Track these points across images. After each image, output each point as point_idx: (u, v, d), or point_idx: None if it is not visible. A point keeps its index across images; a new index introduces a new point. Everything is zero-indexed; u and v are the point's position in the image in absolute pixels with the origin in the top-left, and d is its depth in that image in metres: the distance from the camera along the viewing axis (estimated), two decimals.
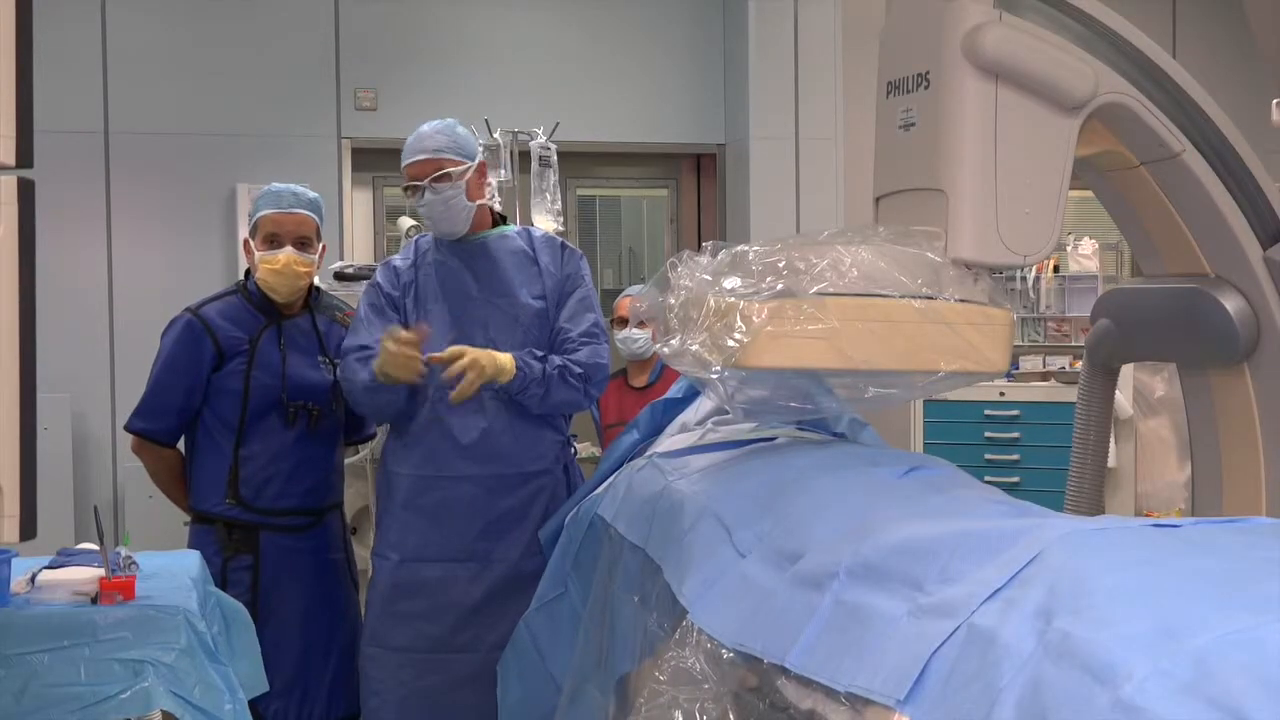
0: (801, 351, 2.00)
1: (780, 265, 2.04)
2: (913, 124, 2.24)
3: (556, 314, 3.22)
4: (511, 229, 3.33)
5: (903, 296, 2.04)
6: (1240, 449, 2.49)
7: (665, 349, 2.11)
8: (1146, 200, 2.48)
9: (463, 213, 3.19)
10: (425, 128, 3.21)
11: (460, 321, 3.18)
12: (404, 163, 3.20)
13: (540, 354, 3.16)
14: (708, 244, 2.18)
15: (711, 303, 2.04)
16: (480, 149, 5.04)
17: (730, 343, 1.98)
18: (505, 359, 3.10)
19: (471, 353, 3.06)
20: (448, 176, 3.15)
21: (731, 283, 2.04)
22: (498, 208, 5.04)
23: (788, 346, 1.99)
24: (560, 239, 3.39)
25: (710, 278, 2.08)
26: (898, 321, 2.03)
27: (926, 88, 2.21)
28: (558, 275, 3.24)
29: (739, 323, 1.98)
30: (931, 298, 2.06)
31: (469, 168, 3.18)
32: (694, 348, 2.03)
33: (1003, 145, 2.16)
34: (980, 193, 2.15)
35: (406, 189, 3.21)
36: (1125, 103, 2.29)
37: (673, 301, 2.11)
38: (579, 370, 3.16)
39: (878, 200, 2.39)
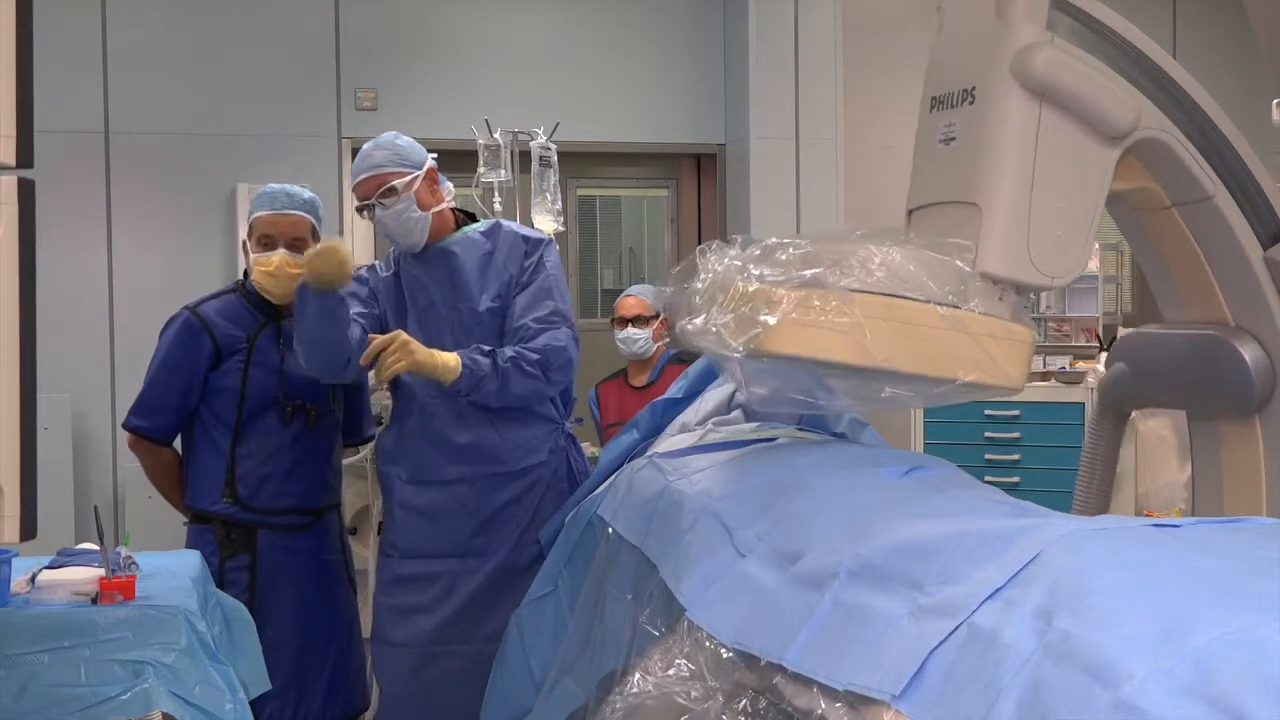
0: (824, 342, 2.00)
1: (811, 258, 2.04)
2: (953, 138, 2.24)
3: (513, 308, 3.17)
4: (476, 228, 3.27)
5: (928, 301, 2.04)
6: (1244, 502, 2.47)
7: (689, 326, 2.11)
8: (1174, 243, 2.47)
9: (417, 224, 3.15)
10: (367, 146, 3.20)
11: (427, 331, 3.16)
12: (351, 185, 3.21)
13: (487, 349, 3.08)
14: (735, 236, 2.19)
15: (740, 285, 2.04)
16: (481, 148, 5.11)
17: (755, 326, 1.98)
18: (450, 358, 3.03)
19: (404, 337, 3.00)
20: (394, 191, 3.12)
21: (761, 270, 2.05)
22: (498, 207, 5.09)
23: (811, 336, 1.99)
24: (527, 231, 3.30)
25: (740, 263, 2.09)
26: (921, 325, 2.03)
27: (971, 103, 2.20)
28: (513, 271, 3.19)
29: (765, 307, 1.98)
30: (956, 306, 2.06)
31: (415, 177, 3.14)
32: (717, 327, 2.03)
33: (1041, 166, 2.15)
34: (1014, 210, 2.15)
35: (359, 209, 3.20)
36: (1164, 140, 2.29)
37: (699, 285, 2.11)
38: (535, 357, 3.07)
39: (910, 213, 2.38)
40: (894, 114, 6.61)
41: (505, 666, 2.87)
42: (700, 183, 6.74)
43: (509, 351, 3.08)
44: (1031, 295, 2.45)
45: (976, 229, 2.14)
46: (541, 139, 5.16)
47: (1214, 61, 5.49)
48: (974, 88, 2.20)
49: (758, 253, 2.08)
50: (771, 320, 1.97)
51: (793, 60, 6.12)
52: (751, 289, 2.02)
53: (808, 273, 2.01)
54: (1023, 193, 2.15)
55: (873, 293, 2.02)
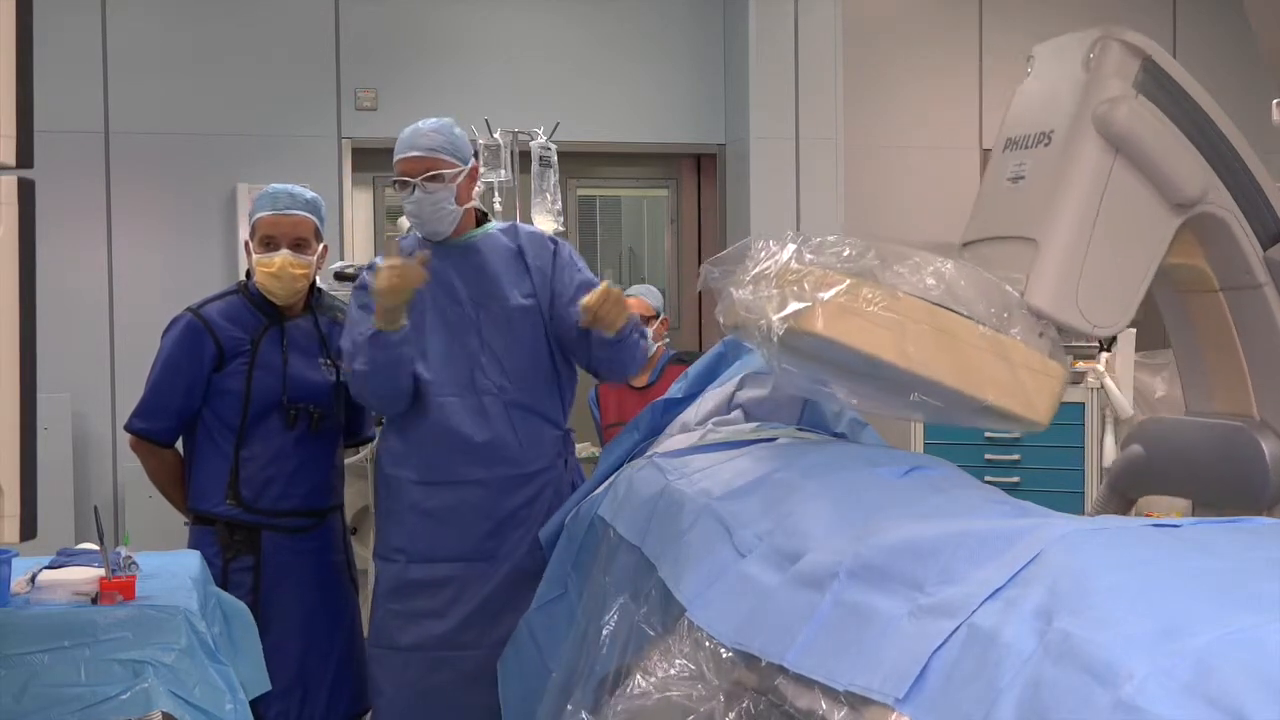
0: (864, 334, 2.01)
1: (866, 255, 2.05)
2: (1022, 177, 2.26)
3: (555, 307, 3.19)
4: (495, 226, 3.29)
5: (971, 318, 2.05)
6: None
7: (736, 294, 2.11)
8: (1214, 328, 2.48)
9: (449, 216, 3.15)
10: (423, 124, 3.16)
11: (452, 325, 3.16)
12: (397, 156, 3.14)
13: None
14: (789, 231, 2.20)
15: (793, 265, 2.05)
16: (481, 148, 5.10)
17: (801, 302, 1.98)
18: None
19: (612, 288, 3.05)
20: (440, 178, 3.10)
21: (815, 256, 2.06)
22: (498, 207, 5.09)
23: (853, 324, 2.00)
24: (546, 232, 3.36)
25: (795, 247, 2.10)
26: (961, 339, 2.04)
27: (1046, 145, 2.23)
28: (547, 272, 3.21)
29: (815, 287, 1.99)
30: (999, 331, 2.07)
31: (461, 171, 3.13)
32: (762, 299, 2.04)
33: (1105, 216, 2.18)
34: (1071, 251, 2.17)
35: (395, 183, 3.16)
36: (1225, 218, 2.31)
37: (749, 265, 2.12)
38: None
39: (964, 246, 2.39)
40: (894, 114, 6.62)
41: (522, 671, 2.86)
42: (700, 183, 6.74)
43: None
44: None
45: (1029, 265, 2.16)
46: (541, 139, 5.16)
47: (1214, 61, 5.49)
48: (1051, 131, 2.23)
49: (813, 246, 2.10)
50: (822, 296, 1.97)
51: (793, 60, 6.12)
52: (803, 270, 2.02)
53: (860, 265, 2.02)
54: (1082, 237, 2.17)
55: (922, 298, 2.02)
